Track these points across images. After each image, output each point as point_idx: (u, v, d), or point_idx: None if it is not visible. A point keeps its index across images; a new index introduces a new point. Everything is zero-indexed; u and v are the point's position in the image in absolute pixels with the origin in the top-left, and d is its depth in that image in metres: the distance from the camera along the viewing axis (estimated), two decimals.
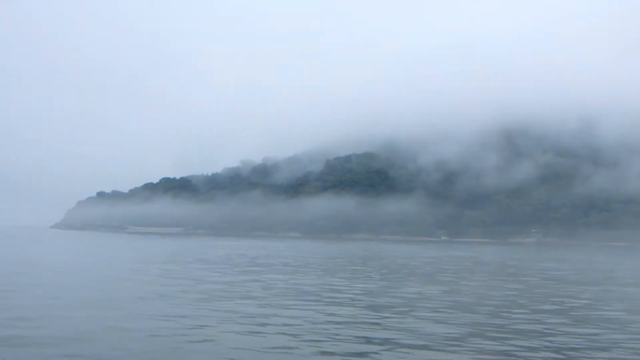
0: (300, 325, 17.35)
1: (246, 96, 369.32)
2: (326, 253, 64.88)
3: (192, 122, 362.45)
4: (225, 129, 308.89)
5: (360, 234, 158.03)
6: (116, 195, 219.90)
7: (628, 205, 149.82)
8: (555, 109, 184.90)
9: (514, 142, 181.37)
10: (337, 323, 17.79)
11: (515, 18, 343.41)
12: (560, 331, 17.33)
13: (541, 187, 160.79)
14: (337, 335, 16.02)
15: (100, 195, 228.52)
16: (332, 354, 14.06)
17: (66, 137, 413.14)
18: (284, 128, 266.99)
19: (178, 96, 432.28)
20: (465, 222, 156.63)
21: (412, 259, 56.62)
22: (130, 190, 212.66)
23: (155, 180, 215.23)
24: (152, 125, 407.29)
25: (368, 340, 15.45)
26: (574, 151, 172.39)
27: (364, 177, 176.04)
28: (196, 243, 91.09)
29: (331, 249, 78.52)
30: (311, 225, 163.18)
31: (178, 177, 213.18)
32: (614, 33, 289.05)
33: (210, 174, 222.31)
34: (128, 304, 20.59)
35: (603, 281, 35.61)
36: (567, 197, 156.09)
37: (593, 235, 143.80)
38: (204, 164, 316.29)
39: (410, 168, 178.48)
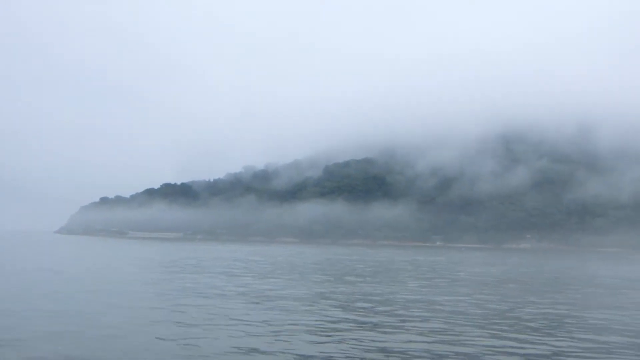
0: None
1: (250, 103, 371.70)
2: (286, 257, 66.18)
3: (197, 128, 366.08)
4: (230, 135, 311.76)
5: (356, 240, 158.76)
6: (119, 201, 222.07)
7: (622, 211, 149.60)
8: (553, 116, 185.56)
9: (511, 148, 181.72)
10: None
11: (513, 27, 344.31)
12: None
13: (536, 192, 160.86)
14: None
15: (104, 200, 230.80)
16: None
17: (72, 144, 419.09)
18: (288, 134, 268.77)
19: (182, 103, 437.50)
20: (460, 227, 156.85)
21: (363, 262, 57.84)
22: (132, 196, 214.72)
23: (158, 186, 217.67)
24: (158, 132, 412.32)
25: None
26: (571, 157, 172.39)
27: (361, 183, 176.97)
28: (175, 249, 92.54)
29: (306, 253, 79.67)
30: (307, 231, 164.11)
31: (179, 182, 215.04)
32: (611, 41, 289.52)
33: (212, 180, 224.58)
34: None
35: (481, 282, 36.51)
36: (561, 203, 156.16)
37: (587, 241, 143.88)
38: (209, 170, 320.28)
39: (407, 174, 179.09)
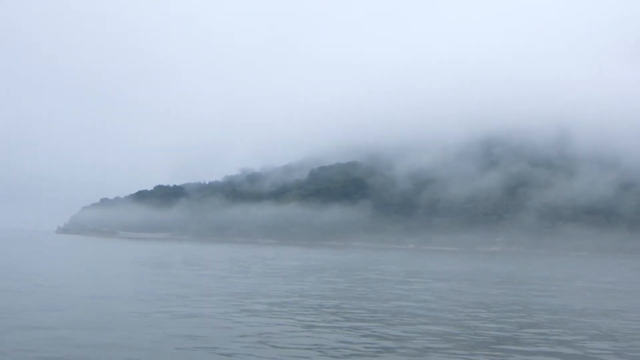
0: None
1: (246, 107, 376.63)
2: (241, 257, 70.59)
3: (197, 131, 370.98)
4: (230, 138, 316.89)
5: (334, 241, 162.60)
6: (117, 202, 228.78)
7: (593, 215, 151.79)
8: (535, 120, 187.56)
9: (491, 151, 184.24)
10: None
11: (496, 33, 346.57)
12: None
13: (510, 196, 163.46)
14: None
15: (104, 201, 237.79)
16: None
17: (77, 146, 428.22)
18: (285, 137, 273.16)
19: (182, 106, 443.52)
20: (433, 230, 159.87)
21: (287, 261, 62.06)
22: (126, 197, 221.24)
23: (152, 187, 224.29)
24: (159, 134, 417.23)
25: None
26: (549, 161, 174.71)
27: (341, 186, 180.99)
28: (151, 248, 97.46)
29: (262, 254, 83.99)
30: (287, 232, 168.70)
31: (172, 184, 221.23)
32: (590, 47, 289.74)
33: (207, 182, 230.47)
34: None
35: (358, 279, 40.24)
36: (534, 207, 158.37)
37: (558, 244, 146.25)
38: (209, 172, 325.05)
39: (387, 177, 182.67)
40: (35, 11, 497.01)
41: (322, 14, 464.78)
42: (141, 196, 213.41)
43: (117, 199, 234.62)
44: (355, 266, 57.29)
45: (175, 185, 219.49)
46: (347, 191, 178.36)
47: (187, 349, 15.48)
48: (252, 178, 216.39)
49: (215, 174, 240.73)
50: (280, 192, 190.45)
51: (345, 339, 17.47)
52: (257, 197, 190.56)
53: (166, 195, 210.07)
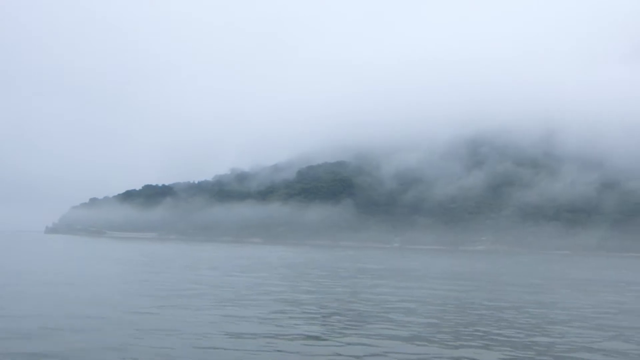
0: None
1: (237, 106, 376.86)
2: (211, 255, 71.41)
3: (188, 130, 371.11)
4: (221, 137, 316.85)
5: (321, 240, 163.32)
6: (106, 201, 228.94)
7: (575, 214, 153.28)
8: (522, 120, 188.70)
9: (477, 151, 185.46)
10: None
11: (482, 33, 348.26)
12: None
13: (495, 195, 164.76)
14: None
15: (93, 201, 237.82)
16: None
17: (69, 145, 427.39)
18: (276, 136, 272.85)
19: (174, 105, 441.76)
20: (419, 229, 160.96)
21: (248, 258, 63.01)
22: (114, 197, 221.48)
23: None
24: (149, 134, 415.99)
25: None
26: (535, 160, 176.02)
27: (327, 185, 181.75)
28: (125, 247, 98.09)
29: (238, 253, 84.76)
30: (274, 232, 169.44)
31: (161, 184, 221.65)
32: (577, 47, 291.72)
33: (196, 181, 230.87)
34: None
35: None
36: (518, 206, 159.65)
37: (540, 243, 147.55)
38: (200, 172, 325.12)
39: (374, 176, 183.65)
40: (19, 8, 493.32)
41: (311, 15, 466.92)
42: (129, 196, 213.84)
43: (106, 198, 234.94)
44: (311, 264, 57.98)
45: (163, 185, 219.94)
46: (333, 190, 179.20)
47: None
48: (241, 177, 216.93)
49: (206, 174, 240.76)
50: (268, 192, 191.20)
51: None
52: (244, 196, 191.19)
53: (154, 194, 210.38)
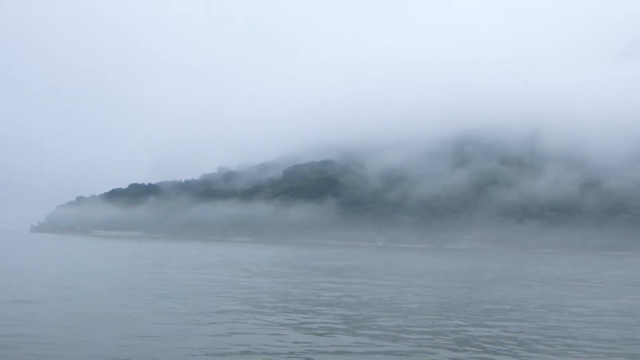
0: None
1: (227, 104, 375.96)
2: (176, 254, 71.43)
3: (177, 129, 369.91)
4: (209, 136, 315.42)
5: (307, 239, 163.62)
6: (92, 200, 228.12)
7: (558, 212, 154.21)
8: (507, 119, 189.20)
9: (463, 150, 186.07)
10: None
11: (469, 34, 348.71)
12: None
13: (479, 194, 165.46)
14: None
15: (80, 199, 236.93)
16: None
17: (57, 144, 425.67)
18: (262, 136, 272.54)
19: (162, 103, 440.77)
20: (403, 228, 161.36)
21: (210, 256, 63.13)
22: (100, 195, 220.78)
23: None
24: (137, 132, 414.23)
25: None
26: (519, 160, 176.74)
27: (313, 184, 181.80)
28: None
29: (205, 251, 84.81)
30: (260, 230, 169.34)
31: (147, 183, 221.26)
32: (562, 47, 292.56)
33: (183, 180, 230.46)
34: None
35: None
36: (502, 205, 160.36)
37: (524, 241, 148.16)
38: (189, 170, 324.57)
39: (360, 175, 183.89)
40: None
41: (299, 15, 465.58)
42: (115, 194, 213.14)
43: (92, 197, 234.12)
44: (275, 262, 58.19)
45: (150, 184, 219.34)
46: (319, 189, 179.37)
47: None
48: (228, 176, 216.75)
49: (194, 173, 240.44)
50: (254, 191, 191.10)
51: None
52: (230, 195, 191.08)
53: (140, 193, 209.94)
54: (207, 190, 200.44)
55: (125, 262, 49.24)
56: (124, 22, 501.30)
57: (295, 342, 15.81)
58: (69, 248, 78.47)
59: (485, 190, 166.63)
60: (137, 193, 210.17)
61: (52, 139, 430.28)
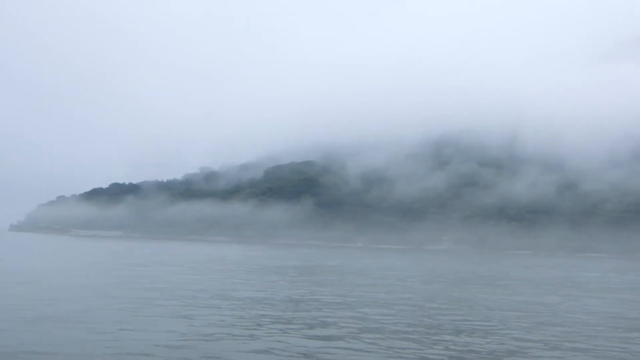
0: None
1: (209, 104, 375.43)
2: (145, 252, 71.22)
3: (160, 128, 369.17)
4: (192, 136, 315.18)
5: (285, 239, 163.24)
6: (73, 199, 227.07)
7: (535, 214, 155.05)
8: (487, 121, 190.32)
9: (442, 152, 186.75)
10: None
11: (448, 35, 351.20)
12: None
13: (457, 195, 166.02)
14: None
15: (60, 199, 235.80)
16: None
17: (41, 142, 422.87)
18: (245, 135, 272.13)
19: (146, 103, 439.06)
20: (383, 229, 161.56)
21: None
22: (81, 195, 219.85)
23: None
24: (119, 132, 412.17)
25: None
26: (498, 161, 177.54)
27: (294, 185, 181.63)
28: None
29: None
30: (238, 230, 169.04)
31: (128, 182, 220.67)
32: (541, 49, 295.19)
33: (165, 180, 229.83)
34: None
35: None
36: (480, 206, 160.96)
37: (502, 243, 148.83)
38: (172, 170, 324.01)
39: (340, 176, 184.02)
40: None
41: (280, 15, 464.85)
42: (96, 194, 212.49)
43: (73, 196, 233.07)
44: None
45: (130, 183, 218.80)
46: (299, 190, 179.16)
47: None
48: (209, 176, 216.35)
49: (176, 173, 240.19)
50: (234, 191, 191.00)
51: None
52: (211, 195, 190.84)
53: (121, 193, 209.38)
54: (187, 190, 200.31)
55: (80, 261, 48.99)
56: (109, 21, 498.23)
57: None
58: (32, 248, 78.03)
59: (464, 192, 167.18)
60: (118, 192, 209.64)
61: (34, 138, 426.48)
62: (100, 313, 21.04)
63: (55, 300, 23.40)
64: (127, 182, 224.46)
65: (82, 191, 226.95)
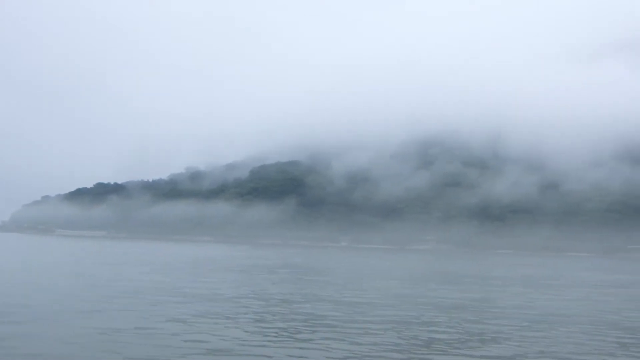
0: None
1: (197, 103, 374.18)
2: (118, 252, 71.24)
3: (147, 127, 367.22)
4: (178, 135, 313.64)
5: (270, 239, 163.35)
6: (58, 199, 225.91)
7: (519, 215, 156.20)
8: (472, 121, 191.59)
9: (427, 152, 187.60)
10: None
11: (434, 35, 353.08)
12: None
13: (441, 195, 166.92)
14: None
15: (45, 199, 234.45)
16: None
17: (27, 141, 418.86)
18: (231, 135, 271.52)
19: (131, 102, 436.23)
20: (367, 229, 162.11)
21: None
22: (65, 195, 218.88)
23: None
24: (105, 131, 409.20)
25: None
26: (482, 161, 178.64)
27: (279, 185, 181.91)
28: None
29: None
30: (223, 230, 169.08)
31: (113, 182, 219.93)
32: (526, 48, 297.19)
33: (151, 180, 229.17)
34: None
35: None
36: (464, 206, 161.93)
37: (485, 243, 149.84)
38: (158, 170, 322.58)
39: (325, 175, 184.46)
40: None
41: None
42: (80, 193, 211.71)
43: (58, 196, 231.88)
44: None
45: (115, 183, 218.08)
46: (284, 190, 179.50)
47: None
48: (195, 176, 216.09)
49: (163, 172, 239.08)
50: (220, 190, 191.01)
51: None
52: (196, 194, 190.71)
53: (105, 193, 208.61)
54: (172, 190, 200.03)
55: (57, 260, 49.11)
56: (99, 19, 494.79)
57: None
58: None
59: (448, 191, 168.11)
60: (103, 192, 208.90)
61: (22, 137, 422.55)
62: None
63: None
64: (112, 182, 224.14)
65: (67, 191, 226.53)
